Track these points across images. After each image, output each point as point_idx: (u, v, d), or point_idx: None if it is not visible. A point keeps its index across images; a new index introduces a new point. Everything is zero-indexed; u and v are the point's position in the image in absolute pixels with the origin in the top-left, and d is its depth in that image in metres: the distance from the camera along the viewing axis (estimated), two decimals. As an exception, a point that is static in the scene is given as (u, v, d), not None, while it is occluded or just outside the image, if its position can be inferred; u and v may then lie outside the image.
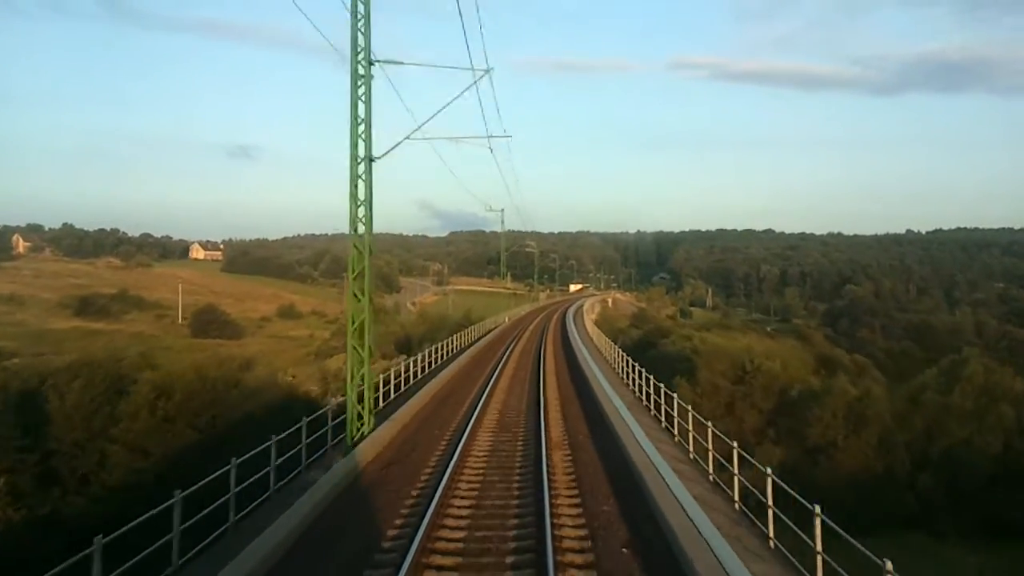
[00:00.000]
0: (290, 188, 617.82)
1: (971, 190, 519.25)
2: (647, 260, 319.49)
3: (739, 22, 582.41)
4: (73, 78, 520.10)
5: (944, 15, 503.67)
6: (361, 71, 17.07)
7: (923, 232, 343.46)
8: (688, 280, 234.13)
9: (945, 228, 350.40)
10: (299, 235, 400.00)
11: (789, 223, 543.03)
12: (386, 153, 18.02)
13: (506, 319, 72.57)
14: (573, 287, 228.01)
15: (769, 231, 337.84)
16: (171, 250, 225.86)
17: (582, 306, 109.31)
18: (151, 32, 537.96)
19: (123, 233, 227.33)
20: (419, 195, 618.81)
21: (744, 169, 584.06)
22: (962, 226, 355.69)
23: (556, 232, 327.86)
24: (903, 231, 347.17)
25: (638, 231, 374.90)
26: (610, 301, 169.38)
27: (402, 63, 17.79)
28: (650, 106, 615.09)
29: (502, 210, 72.32)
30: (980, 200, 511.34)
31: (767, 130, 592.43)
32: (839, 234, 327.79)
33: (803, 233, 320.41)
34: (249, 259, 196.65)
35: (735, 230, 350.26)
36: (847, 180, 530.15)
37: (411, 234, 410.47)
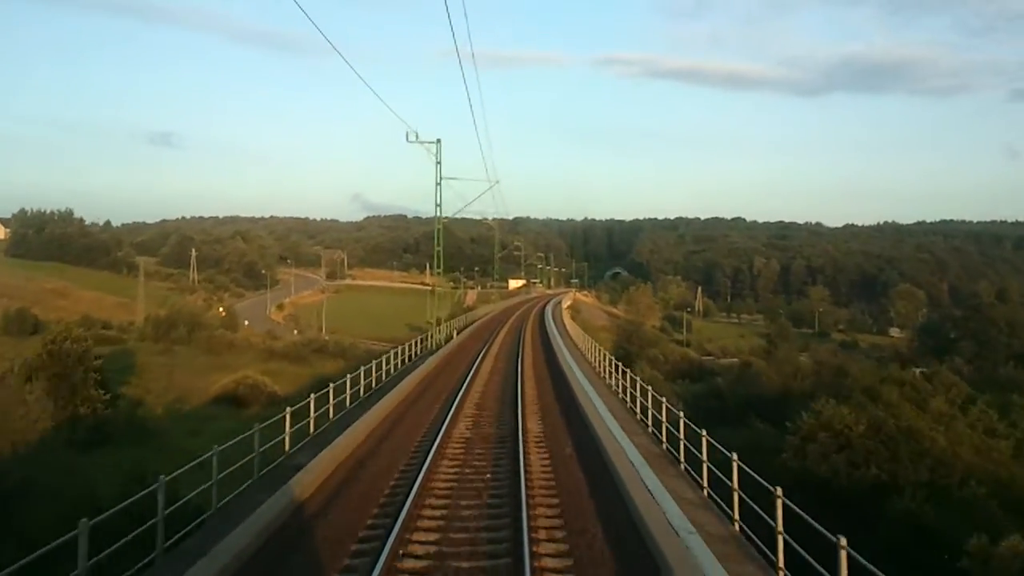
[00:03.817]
0: (204, 174, 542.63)
1: (922, 185, 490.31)
2: (597, 251, 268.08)
3: (668, 19, 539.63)
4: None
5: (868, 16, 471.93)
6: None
7: (903, 224, 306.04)
8: (663, 276, 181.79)
9: (929, 220, 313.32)
10: (184, 217, 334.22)
11: (760, 212, 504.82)
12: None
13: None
14: (513, 283, 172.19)
15: (740, 219, 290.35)
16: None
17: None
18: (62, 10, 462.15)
19: None
20: (344, 178, 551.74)
21: (694, 159, 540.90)
22: (946, 218, 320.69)
23: (490, 218, 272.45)
24: (881, 222, 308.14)
25: (586, 218, 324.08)
26: (574, 296, 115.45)
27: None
28: (584, 100, 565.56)
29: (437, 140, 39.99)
30: (957, 195, 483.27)
31: (710, 126, 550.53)
32: (819, 224, 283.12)
33: (782, 222, 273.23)
34: (45, 239, 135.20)
35: (699, 218, 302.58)
36: (818, 174, 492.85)
37: (319, 218, 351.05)
